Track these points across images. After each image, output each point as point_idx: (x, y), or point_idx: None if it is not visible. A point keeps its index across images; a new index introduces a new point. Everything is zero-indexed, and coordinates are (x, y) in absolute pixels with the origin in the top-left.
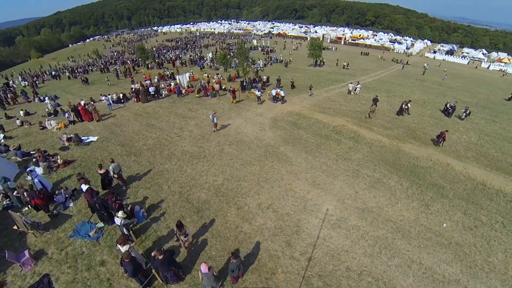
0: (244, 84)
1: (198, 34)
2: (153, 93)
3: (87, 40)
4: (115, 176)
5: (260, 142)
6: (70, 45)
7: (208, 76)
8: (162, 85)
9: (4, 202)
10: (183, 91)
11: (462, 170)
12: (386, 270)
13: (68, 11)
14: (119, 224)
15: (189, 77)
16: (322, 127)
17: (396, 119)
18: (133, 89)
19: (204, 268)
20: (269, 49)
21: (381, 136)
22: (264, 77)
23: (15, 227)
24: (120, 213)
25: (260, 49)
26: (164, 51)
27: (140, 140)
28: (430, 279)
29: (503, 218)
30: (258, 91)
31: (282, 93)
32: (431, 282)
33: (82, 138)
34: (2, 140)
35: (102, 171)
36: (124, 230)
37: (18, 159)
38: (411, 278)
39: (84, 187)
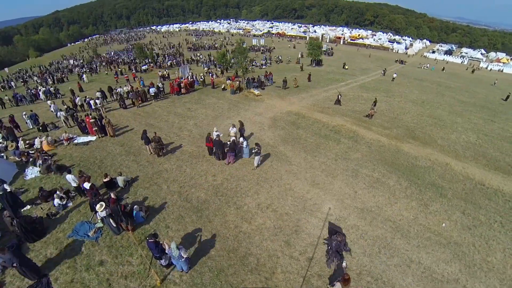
0: (247, 81)
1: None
2: (153, 94)
3: (86, 40)
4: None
5: (260, 142)
6: (68, 44)
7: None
8: (160, 84)
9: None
10: (185, 81)
11: (461, 170)
12: (385, 269)
13: (66, 10)
14: (104, 217)
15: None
16: (321, 127)
17: (395, 119)
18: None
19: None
20: (265, 49)
21: (380, 136)
22: (262, 76)
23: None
24: (98, 206)
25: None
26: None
27: (139, 139)
28: (429, 279)
29: (502, 217)
30: (257, 91)
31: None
32: (430, 281)
33: (80, 138)
34: (1, 140)
35: (106, 180)
36: (111, 222)
37: (17, 158)
38: (410, 278)
39: (87, 185)
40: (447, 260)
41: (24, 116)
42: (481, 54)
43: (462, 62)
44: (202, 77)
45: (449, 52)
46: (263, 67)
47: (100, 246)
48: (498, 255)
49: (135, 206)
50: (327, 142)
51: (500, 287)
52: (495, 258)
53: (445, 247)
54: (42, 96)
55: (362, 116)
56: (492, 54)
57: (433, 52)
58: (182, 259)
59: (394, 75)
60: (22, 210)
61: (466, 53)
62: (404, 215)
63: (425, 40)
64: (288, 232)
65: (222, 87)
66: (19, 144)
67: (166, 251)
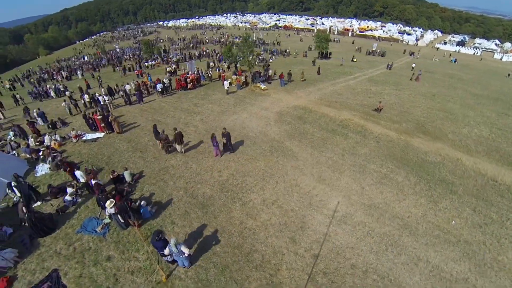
0: (253, 76)
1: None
2: (160, 90)
3: (94, 37)
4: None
5: (265, 137)
6: (77, 42)
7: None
8: (166, 80)
9: (15, 198)
10: (191, 77)
11: (472, 165)
12: (392, 267)
13: (74, 8)
14: (112, 214)
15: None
16: (328, 121)
17: (405, 113)
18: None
19: None
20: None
21: (389, 130)
22: (270, 71)
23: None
24: (108, 203)
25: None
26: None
27: (146, 135)
28: (437, 277)
29: None
30: (264, 85)
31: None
32: (438, 280)
33: (88, 135)
34: (13, 138)
35: (114, 176)
36: (119, 217)
37: (27, 156)
38: (417, 276)
39: (93, 181)
40: (456, 259)
41: (34, 114)
42: (496, 44)
43: (475, 53)
44: (210, 72)
45: (461, 43)
46: (270, 61)
47: (108, 241)
48: (510, 254)
49: (143, 202)
50: (334, 137)
51: (511, 287)
52: (507, 257)
53: (455, 246)
54: (52, 93)
55: (371, 110)
56: (507, 45)
57: (445, 43)
58: (183, 256)
59: (413, 65)
60: (33, 205)
61: (480, 43)
62: (412, 212)
63: (436, 31)
64: (294, 229)
65: (228, 81)
66: (29, 142)
67: (168, 247)
